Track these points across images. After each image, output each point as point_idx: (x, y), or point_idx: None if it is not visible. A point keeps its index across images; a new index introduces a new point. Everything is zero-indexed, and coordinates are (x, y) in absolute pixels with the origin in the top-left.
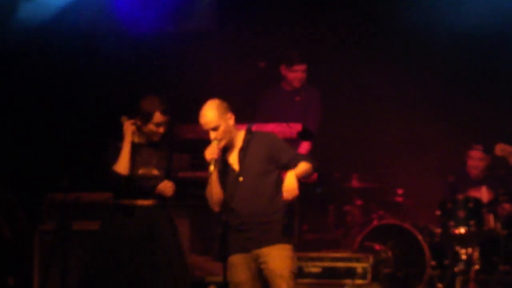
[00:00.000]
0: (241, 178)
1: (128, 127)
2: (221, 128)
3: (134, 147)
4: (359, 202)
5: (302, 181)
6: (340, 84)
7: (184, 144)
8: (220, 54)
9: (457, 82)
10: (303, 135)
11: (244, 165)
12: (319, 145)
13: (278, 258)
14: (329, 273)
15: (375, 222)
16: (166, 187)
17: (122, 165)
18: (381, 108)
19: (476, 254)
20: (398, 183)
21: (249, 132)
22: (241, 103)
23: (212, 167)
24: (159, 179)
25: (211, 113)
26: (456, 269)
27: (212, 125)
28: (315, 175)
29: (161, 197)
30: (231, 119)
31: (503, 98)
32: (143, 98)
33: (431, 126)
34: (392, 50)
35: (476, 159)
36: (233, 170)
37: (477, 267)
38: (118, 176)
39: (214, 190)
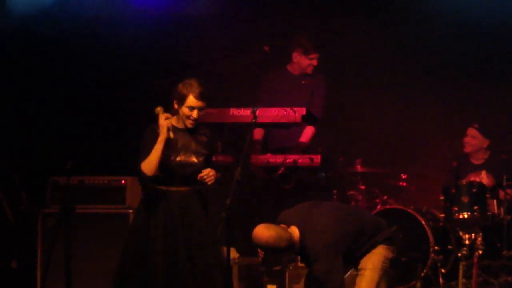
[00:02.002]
0: None
1: (163, 122)
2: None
3: (174, 131)
4: (362, 187)
5: (306, 166)
6: (344, 68)
7: None
8: (224, 38)
9: (461, 67)
10: (307, 120)
11: None
12: (323, 129)
13: None
14: None
15: (379, 207)
16: (209, 175)
17: (151, 166)
18: (385, 93)
19: (479, 239)
20: (401, 168)
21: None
22: (245, 87)
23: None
24: (197, 167)
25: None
26: (459, 254)
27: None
28: (319, 160)
29: (197, 183)
30: (293, 232)
31: (508, 83)
32: (181, 81)
33: (435, 111)
34: (395, 35)
35: (469, 136)
36: None
37: (480, 252)
38: (142, 172)
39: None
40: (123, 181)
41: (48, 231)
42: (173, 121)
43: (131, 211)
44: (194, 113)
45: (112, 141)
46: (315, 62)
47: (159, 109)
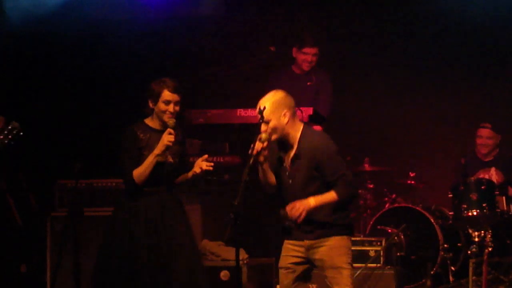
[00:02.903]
0: (290, 181)
1: (166, 140)
2: (272, 123)
3: (149, 133)
4: (371, 186)
5: None
6: (351, 67)
7: (194, 129)
8: (230, 39)
9: (468, 65)
10: (314, 119)
11: (293, 169)
12: (330, 129)
13: (329, 249)
14: None
15: (387, 206)
16: (201, 165)
17: (143, 177)
18: (393, 91)
19: (488, 237)
20: (410, 166)
21: (304, 135)
22: (252, 87)
23: (251, 162)
24: (173, 167)
25: (265, 105)
26: (469, 252)
27: (263, 117)
28: None
29: (170, 183)
30: (285, 116)
31: None
32: (153, 81)
33: (442, 109)
34: (402, 34)
35: (484, 138)
36: (285, 170)
37: (490, 249)
38: (133, 181)
39: (266, 176)
40: None
41: (56, 235)
42: (148, 121)
43: None
44: (170, 107)
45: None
46: (309, 58)
47: (172, 121)
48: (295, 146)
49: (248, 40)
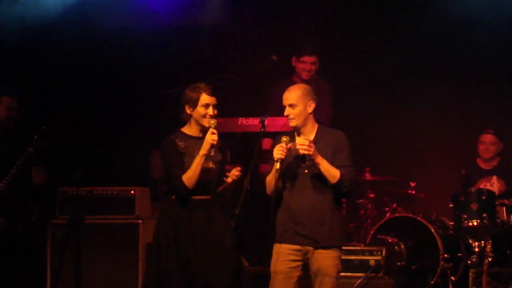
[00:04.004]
0: (306, 170)
1: (209, 138)
2: (298, 108)
3: (188, 140)
4: (371, 195)
5: None
6: (352, 77)
7: None
8: (232, 48)
9: (470, 74)
10: None
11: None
12: None
13: (327, 258)
14: (342, 266)
15: (388, 215)
16: (234, 174)
17: (192, 180)
18: (394, 101)
19: (489, 247)
20: (410, 176)
21: (322, 129)
22: (254, 96)
23: (278, 165)
24: (214, 173)
25: (295, 91)
26: (469, 262)
27: (290, 101)
28: None
29: (215, 191)
30: (311, 107)
31: None
32: (187, 87)
33: (443, 119)
34: (403, 43)
35: (487, 143)
36: (300, 160)
37: (490, 259)
38: (184, 186)
39: (275, 181)
40: (132, 191)
41: (57, 242)
42: (185, 129)
43: (140, 221)
44: (210, 110)
45: (121, 151)
46: (307, 67)
47: (212, 122)
48: (313, 136)
49: (250, 50)
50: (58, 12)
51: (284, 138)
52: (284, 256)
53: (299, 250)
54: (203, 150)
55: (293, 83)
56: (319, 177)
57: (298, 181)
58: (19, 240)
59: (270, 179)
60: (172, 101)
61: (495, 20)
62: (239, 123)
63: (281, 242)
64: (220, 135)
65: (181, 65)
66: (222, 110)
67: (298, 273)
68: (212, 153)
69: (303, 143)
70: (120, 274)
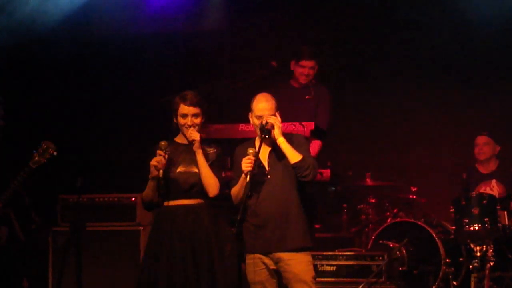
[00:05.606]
0: (269, 176)
1: (153, 161)
2: (278, 121)
3: (177, 147)
4: (372, 200)
5: (316, 180)
6: (352, 82)
7: None
8: (231, 53)
9: (470, 79)
10: (315, 134)
11: (273, 164)
12: (332, 144)
13: (300, 263)
14: (343, 271)
15: (389, 220)
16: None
17: (144, 199)
18: (393, 106)
19: (490, 251)
20: (411, 181)
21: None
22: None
23: (248, 178)
24: (198, 177)
25: (272, 102)
26: (470, 266)
27: (270, 112)
28: (328, 174)
29: (205, 197)
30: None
31: None
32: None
33: (444, 123)
34: (402, 48)
35: (481, 145)
36: (262, 168)
37: (491, 264)
38: (142, 201)
39: (242, 192)
40: (133, 198)
41: (59, 249)
42: (177, 138)
43: (141, 228)
44: (188, 120)
45: (122, 158)
46: (306, 71)
47: (162, 144)
48: (272, 144)
49: (249, 55)
50: (58, 21)
51: (250, 150)
52: (259, 266)
53: (271, 258)
54: (152, 173)
55: (290, 87)
56: (282, 181)
57: (264, 188)
58: (21, 249)
59: (238, 190)
60: (165, 109)
61: (495, 23)
62: (240, 129)
63: (253, 252)
64: (220, 141)
65: (179, 71)
66: (222, 116)
67: (275, 279)
68: (160, 175)
69: (246, 162)
70: (121, 281)
